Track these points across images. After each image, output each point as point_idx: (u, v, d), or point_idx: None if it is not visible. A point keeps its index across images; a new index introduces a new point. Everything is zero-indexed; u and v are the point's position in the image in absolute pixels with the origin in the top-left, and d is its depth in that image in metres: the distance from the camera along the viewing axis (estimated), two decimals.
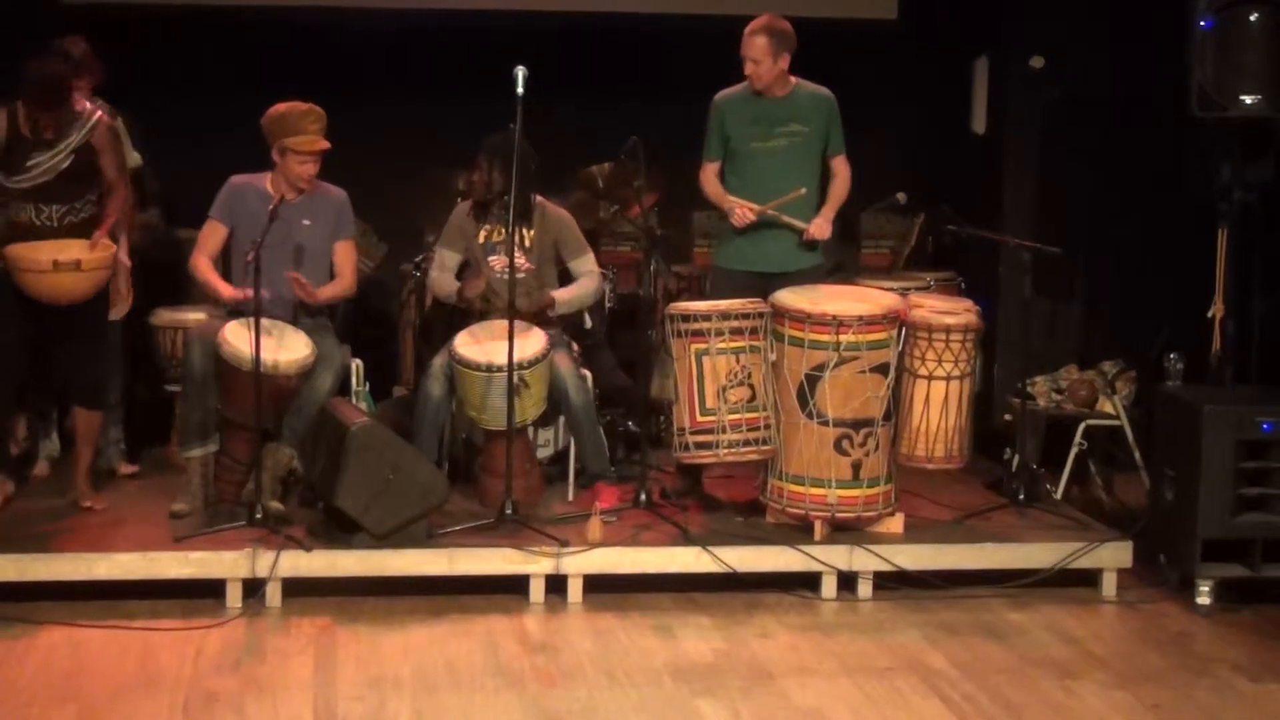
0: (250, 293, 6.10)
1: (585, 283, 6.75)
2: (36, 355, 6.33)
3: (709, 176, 6.61)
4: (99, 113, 6.23)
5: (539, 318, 6.60)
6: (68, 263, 6.01)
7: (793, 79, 6.53)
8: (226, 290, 6.37)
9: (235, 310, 6.38)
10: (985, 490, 6.92)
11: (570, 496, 6.68)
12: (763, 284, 6.41)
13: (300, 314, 6.45)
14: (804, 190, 6.46)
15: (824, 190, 6.61)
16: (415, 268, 7.35)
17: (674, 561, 6.07)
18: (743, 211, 6.44)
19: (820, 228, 6.49)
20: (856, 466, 6.13)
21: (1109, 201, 7.88)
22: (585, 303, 6.85)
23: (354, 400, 6.59)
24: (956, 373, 6.23)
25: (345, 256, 6.57)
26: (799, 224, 6.47)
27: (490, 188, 6.65)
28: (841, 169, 6.60)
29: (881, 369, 6.13)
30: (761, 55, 6.40)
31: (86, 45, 6.61)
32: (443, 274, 6.77)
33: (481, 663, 5.43)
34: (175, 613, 5.76)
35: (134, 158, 6.91)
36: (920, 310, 6.27)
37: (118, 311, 6.66)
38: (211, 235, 6.49)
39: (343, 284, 6.56)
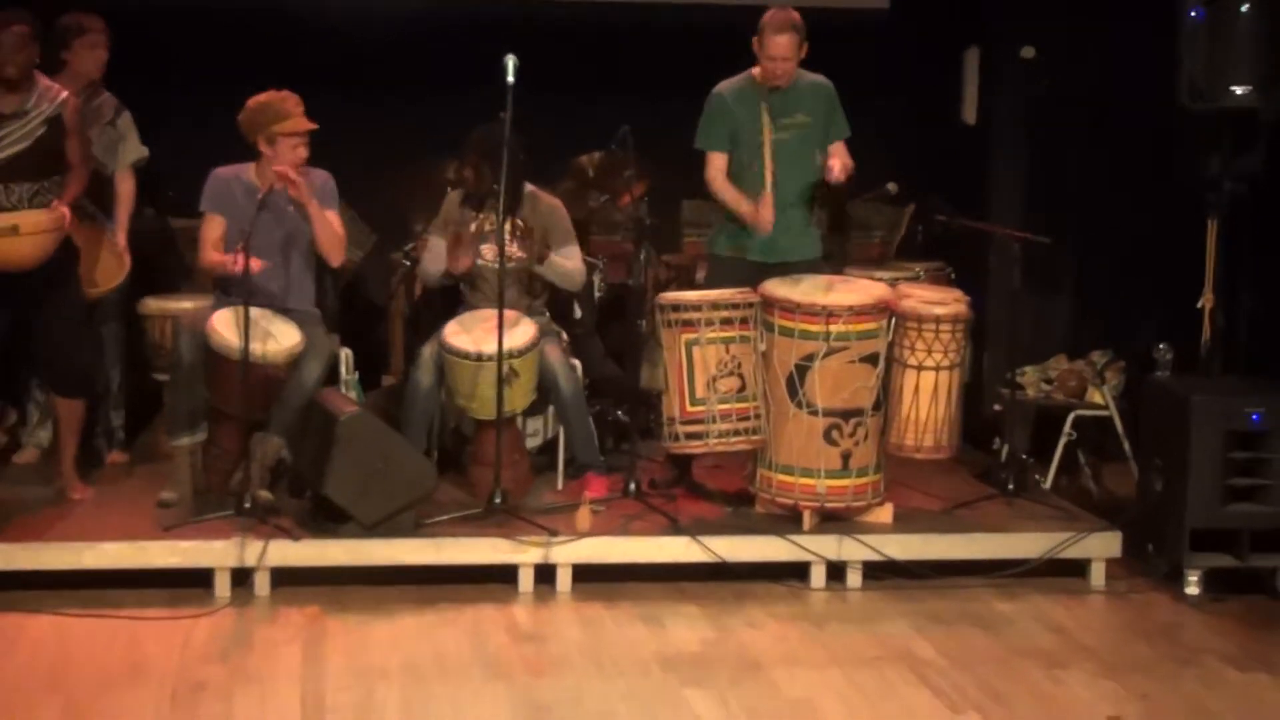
0: (241, 260, 6.06)
1: (574, 261, 6.71)
2: (18, 341, 6.29)
3: (720, 174, 6.49)
4: (66, 92, 6.21)
5: (529, 296, 6.57)
6: (5, 228, 5.88)
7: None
8: (221, 259, 6.31)
9: (223, 299, 6.37)
10: (974, 480, 6.93)
11: (559, 486, 6.67)
12: (759, 274, 6.39)
13: (288, 303, 6.44)
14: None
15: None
16: (405, 257, 7.33)
17: (663, 551, 6.07)
18: (762, 219, 6.37)
19: (840, 166, 6.37)
20: (846, 456, 6.13)
21: (1098, 192, 7.88)
22: (572, 277, 6.74)
23: (343, 390, 6.57)
24: (946, 363, 6.23)
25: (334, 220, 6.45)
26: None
27: (480, 182, 6.61)
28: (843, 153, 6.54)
29: (871, 359, 6.13)
30: (790, 53, 6.33)
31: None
32: (433, 257, 6.76)
33: (470, 652, 5.43)
34: (163, 602, 5.76)
35: (141, 151, 6.92)
36: (910, 300, 6.27)
37: (100, 286, 6.68)
38: (212, 229, 6.45)
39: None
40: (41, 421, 6.95)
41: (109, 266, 6.75)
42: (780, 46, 6.33)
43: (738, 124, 6.47)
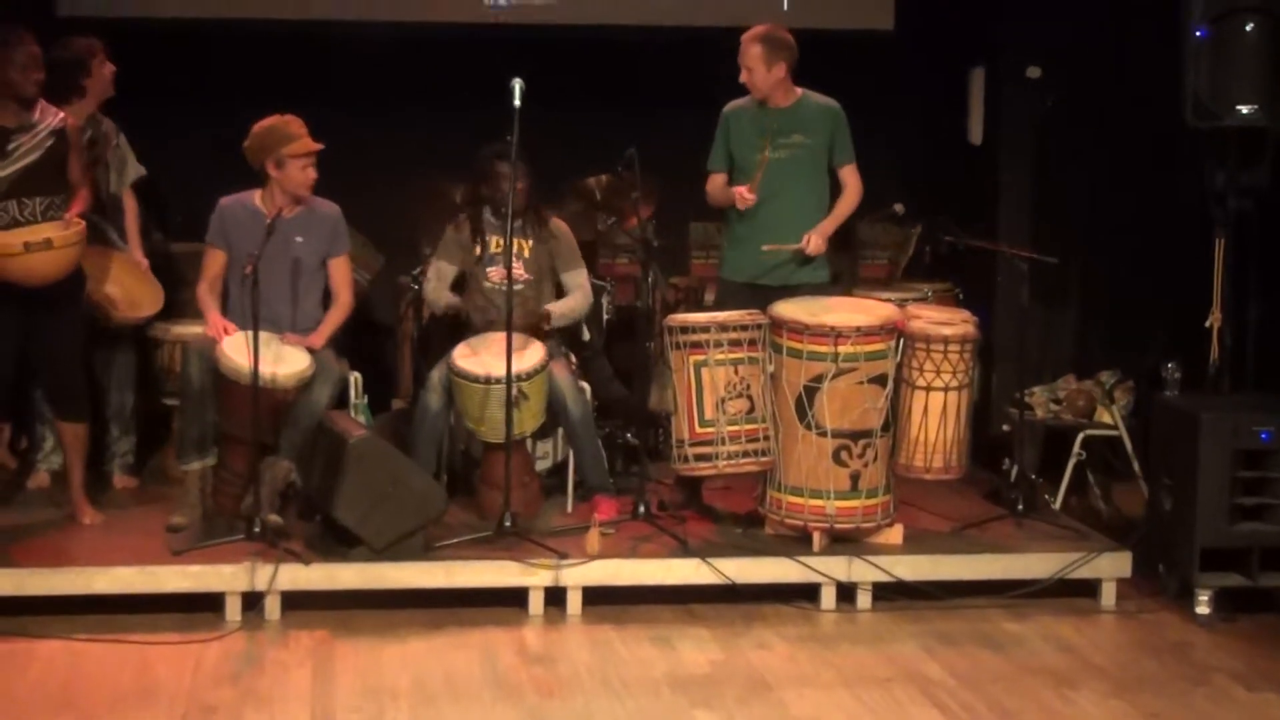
0: (230, 328, 6.25)
1: (578, 296, 6.77)
2: (25, 364, 6.32)
3: (714, 188, 6.61)
4: (63, 113, 6.25)
5: (536, 330, 6.60)
6: (38, 242, 5.93)
7: (799, 90, 6.54)
8: (210, 318, 6.39)
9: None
10: (984, 500, 6.92)
11: (569, 508, 6.68)
12: (767, 297, 6.40)
13: (296, 327, 6.45)
14: (798, 245, 6.47)
15: (833, 200, 6.62)
16: (413, 280, 7.35)
17: (672, 573, 6.07)
18: (740, 193, 6.43)
19: (814, 244, 6.49)
20: (855, 477, 6.13)
21: (1105, 211, 7.89)
22: (579, 315, 6.85)
23: (352, 413, 6.58)
24: (954, 383, 6.23)
25: (340, 274, 6.58)
26: (791, 247, 6.48)
27: (514, 191, 6.56)
28: (851, 179, 6.60)
29: (880, 380, 6.14)
30: (755, 63, 6.43)
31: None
32: (438, 285, 6.78)
33: (480, 674, 5.43)
34: (173, 626, 5.76)
35: (140, 169, 6.99)
36: (918, 321, 6.27)
37: (147, 310, 6.76)
38: (211, 262, 6.52)
39: (341, 307, 6.57)
40: (54, 446, 6.96)
41: (133, 290, 6.78)
42: (746, 55, 6.45)
43: (736, 142, 6.53)
